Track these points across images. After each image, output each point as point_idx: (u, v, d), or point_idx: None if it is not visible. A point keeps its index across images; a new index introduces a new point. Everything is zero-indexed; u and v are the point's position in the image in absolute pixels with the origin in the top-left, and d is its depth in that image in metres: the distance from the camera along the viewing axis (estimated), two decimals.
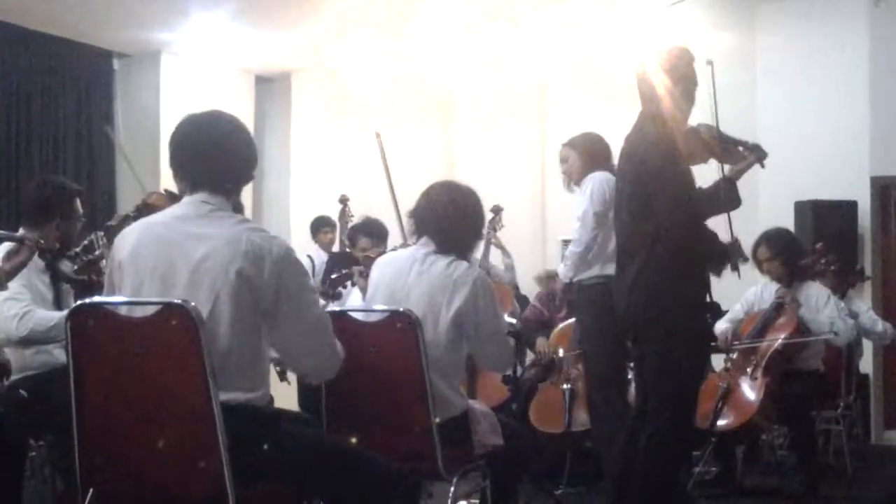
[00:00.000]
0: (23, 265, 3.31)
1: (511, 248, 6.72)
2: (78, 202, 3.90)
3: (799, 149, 7.04)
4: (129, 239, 2.52)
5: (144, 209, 3.61)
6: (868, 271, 6.47)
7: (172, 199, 3.22)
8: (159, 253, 2.44)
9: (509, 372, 5.10)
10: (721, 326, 4.99)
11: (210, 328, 2.29)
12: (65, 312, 3.56)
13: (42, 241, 3.37)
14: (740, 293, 5.22)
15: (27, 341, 3.59)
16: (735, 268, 3.75)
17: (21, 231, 3.74)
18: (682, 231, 3.44)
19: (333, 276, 4.21)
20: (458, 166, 8.87)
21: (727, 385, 4.67)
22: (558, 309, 5.55)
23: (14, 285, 3.45)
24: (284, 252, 2.43)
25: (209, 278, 2.37)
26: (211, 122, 2.57)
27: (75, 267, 3.74)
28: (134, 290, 2.46)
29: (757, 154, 3.61)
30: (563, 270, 4.42)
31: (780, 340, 4.73)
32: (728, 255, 3.70)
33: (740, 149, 3.62)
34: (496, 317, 3.17)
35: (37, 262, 3.55)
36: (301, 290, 2.47)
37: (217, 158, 2.52)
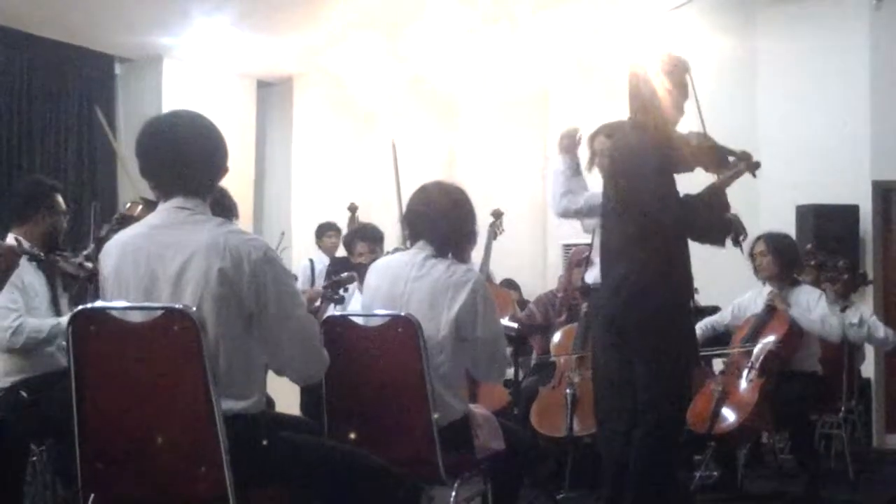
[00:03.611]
0: (5, 274, 3.30)
1: (512, 252, 6.72)
2: (59, 197, 3.95)
3: (800, 153, 7.04)
4: (111, 254, 2.52)
5: (124, 220, 3.61)
6: (870, 275, 6.45)
7: (150, 206, 3.21)
8: (140, 267, 2.43)
9: (510, 376, 5.10)
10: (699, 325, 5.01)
11: None
12: (59, 319, 3.62)
13: (21, 247, 3.36)
14: (739, 295, 5.25)
15: (24, 350, 3.65)
16: (736, 242, 3.72)
17: (8, 237, 3.77)
18: (666, 234, 3.47)
19: (333, 279, 4.23)
20: (459, 170, 8.86)
21: (723, 388, 4.68)
22: (558, 313, 5.55)
23: (7, 290, 3.47)
24: (262, 254, 2.41)
25: (191, 286, 2.36)
26: (168, 126, 2.54)
27: (78, 263, 3.75)
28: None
29: (747, 164, 3.61)
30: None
31: (773, 340, 4.76)
32: (732, 226, 3.67)
33: (731, 158, 3.62)
34: (495, 323, 3.16)
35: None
36: (281, 291, 2.43)
37: (181, 163, 2.48)
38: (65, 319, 3.56)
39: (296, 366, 2.56)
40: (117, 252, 2.50)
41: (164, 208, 2.50)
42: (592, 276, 4.28)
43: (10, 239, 3.78)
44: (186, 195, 2.48)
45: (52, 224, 3.88)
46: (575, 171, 4.21)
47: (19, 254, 3.25)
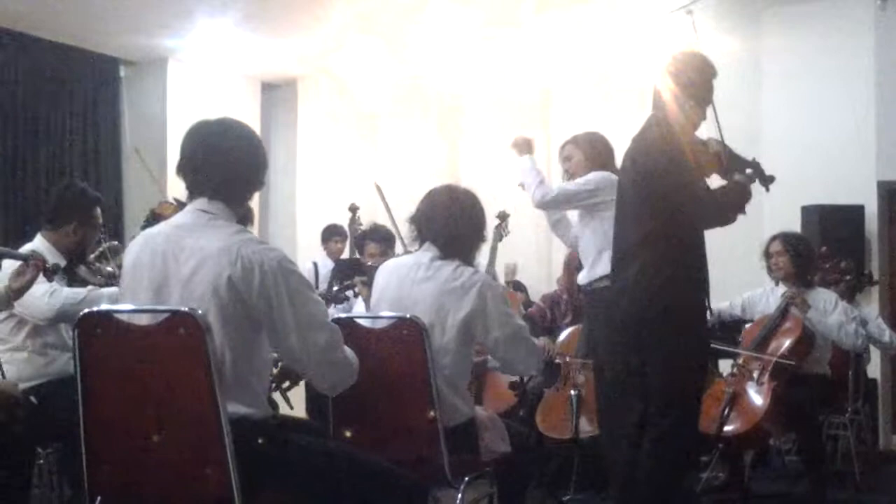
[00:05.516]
0: (30, 283, 3.35)
1: (517, 254, 6.72)
2: (98, 210, 3.96)
3: (805, 153, 7.03)
4: (132, 250, 2.56)
5: (154, 219, 3.64)
6: (875, 275, 6.44)
7: (181, 207, 3.24)
8: (155, 266, 2.45)
9: (516, 378, 5.09)
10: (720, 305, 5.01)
11: None
12: (95, 287, 3.66)
13: (48, 261, 3.39)
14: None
15: (59, 319, 3.62)
16: (764, 184, 3.66)
17: (37, 238, 3.80)
18: (680, 234, 3.45)
19: (336, 288, 4.24)
20: (462, 172, 8.87)
21: (733, 390, 4.65)
22: (564, 314, 5.55)
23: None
24: (276, 264, 2.40)
25: (200, 289, 2.37)
26: (215, 130, 2.55)
27: (98, 277, 3.79)
28: (132, 301, 2.48)
29: (758, 175, 3.60)
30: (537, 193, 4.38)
31: (785, 346, 4.74)
32: (756, 174, 3.63)
33: (747, 170, 3.61)
34: (510, 318, 3.14)
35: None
36: (300, 297, 2.42)
37: (215, 166, 2.50)
38: (105, 289, 3.65)
39: (321, 373, 2.54)
40: (138, 247, 2.54)
41: (188, 209, 2.53)
42: (580, 278, 4.38)
43: (38, 241, 3.83)
44: (211, 198, 2.50)
45: (83, 237, 3.88)
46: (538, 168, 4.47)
47: (42, 268, 3.31)
